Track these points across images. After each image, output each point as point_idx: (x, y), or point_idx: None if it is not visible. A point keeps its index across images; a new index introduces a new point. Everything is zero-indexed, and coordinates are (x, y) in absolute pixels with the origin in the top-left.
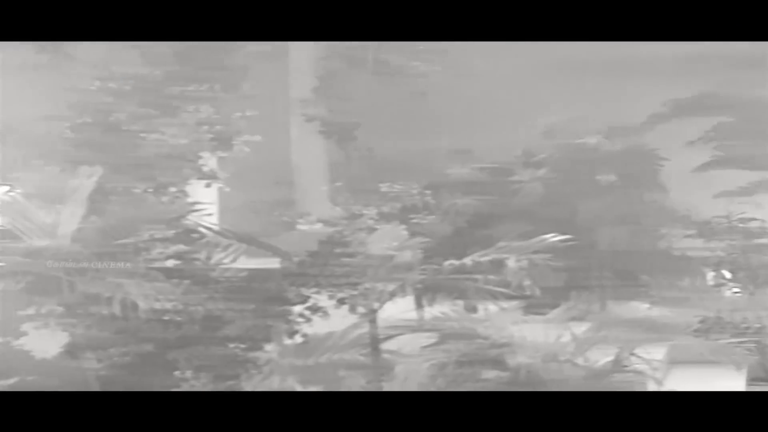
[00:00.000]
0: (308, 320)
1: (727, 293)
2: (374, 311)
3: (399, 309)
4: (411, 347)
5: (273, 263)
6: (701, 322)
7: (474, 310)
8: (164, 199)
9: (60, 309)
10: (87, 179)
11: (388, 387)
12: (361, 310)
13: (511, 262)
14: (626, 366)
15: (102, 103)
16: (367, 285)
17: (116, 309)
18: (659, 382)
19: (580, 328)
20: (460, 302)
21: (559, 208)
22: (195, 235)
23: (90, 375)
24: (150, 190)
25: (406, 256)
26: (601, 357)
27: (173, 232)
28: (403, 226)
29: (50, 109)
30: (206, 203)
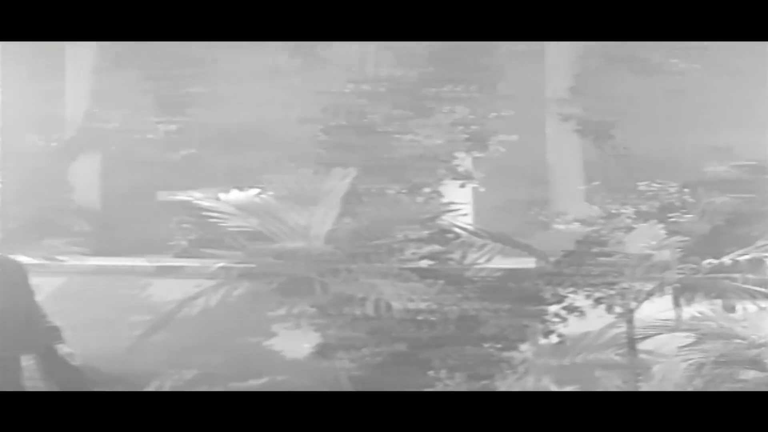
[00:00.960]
0: (564, 320)
1: None
2: (631, 311)
3: (656, 308)
4: (668, 347)
5: (528, 263)
6: None
7: (732, 309)
8: (418, 199)
9: (312, 310)
10: (341, 181)
11: (645, 387)
12: (617, 309)
13: None
14: None
15: (355, 105)
16: (624, 284)
17: (370, 309)
18: None
19: None
20: (719, 302)
21: None
22: (449, 236)
23: (342, 375)
24: (404, 191)
25: (664, 255)
26: None
27: (427, 232)
28: (661, 225)
29: (303, 112)
30: (461, 203)
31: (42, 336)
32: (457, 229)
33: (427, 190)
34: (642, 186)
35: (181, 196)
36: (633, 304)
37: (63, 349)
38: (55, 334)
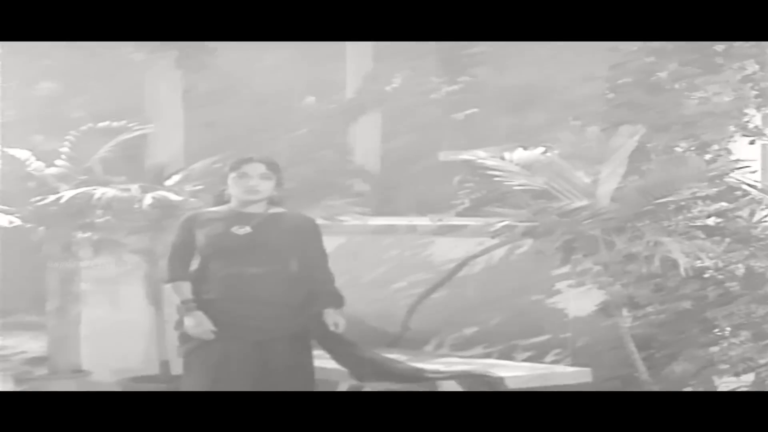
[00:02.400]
0: None
1: None
2: None
3: None
4: None
5: None
6: None
7: None
8: (706, 156)
9: (596, 268)
10: (628, 139)
11: None
12: None
13: None
14: None
15: (644, 63)
16: None
17: (656, 267)
18: None
19: None
20: None
21: None
22: (737, 193)
23: (624, 332)
24: (692, 148)
25: None
26: None
27: (715, 189)
28: None
29: (589, 69)
30: (749, 160)
31: (325, 301)
32: (745, 187)
33: (715, 147)
34: None
35: (465, 156)
36: None
37: (330, 315)
38: (337, 300)
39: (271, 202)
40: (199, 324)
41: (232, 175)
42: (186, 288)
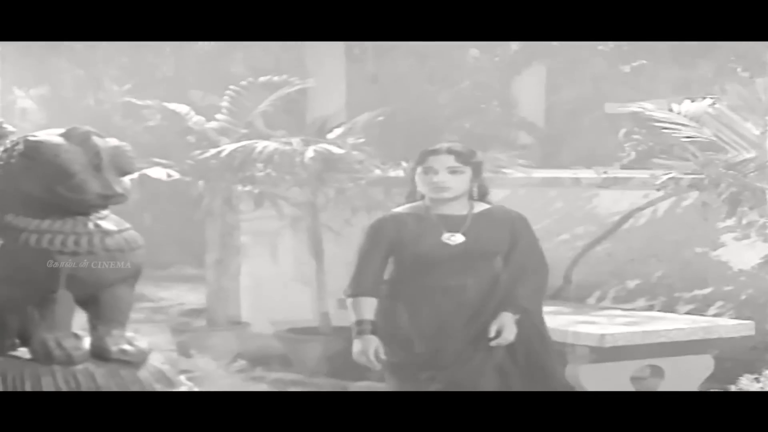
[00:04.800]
0: None
1: None
2: None
3: None
4: None
5: None
6: None
7: None
8: None
9: (762, 220)
10: None
11: None
12: None
13: None
14: None
15: None
16: None
17: None
18: None
19: None
20: None
21: None
22: None
23: None
24: None
25: None
26: None
27: None
28: None
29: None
30: None
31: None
32: None
33: None
34: None
35: (632, 108)
36: None
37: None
38: (514, 305)
39: (471, 197)
40: (364, 351)
41: (418, 170)
42: (368, 306)
